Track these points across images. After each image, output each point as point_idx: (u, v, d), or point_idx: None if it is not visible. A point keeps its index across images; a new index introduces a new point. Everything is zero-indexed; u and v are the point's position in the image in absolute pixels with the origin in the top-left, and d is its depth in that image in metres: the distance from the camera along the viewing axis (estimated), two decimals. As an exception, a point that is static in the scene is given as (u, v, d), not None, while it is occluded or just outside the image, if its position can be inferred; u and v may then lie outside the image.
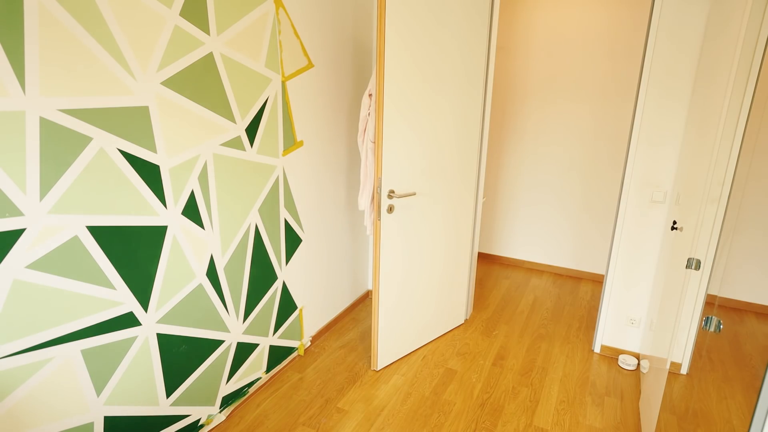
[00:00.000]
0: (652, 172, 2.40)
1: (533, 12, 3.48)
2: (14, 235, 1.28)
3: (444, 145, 2.45)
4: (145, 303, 1.68)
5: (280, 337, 2.44)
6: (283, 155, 2.25)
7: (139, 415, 1.75)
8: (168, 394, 1.85)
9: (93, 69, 1.39)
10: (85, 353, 1.52)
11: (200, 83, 1.74)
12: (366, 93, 2.30)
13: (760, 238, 3.13)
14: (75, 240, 1.42)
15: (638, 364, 2.59)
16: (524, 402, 2.29)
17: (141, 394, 1.74)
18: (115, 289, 1.56)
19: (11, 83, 1.22)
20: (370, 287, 3.36)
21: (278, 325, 2.41)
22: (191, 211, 1.80)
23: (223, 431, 2.06)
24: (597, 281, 3.71)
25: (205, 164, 1.83)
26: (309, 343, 2.70)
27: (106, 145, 1.46)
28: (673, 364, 2.54)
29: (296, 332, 2.57)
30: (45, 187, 1.33)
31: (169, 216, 1.71)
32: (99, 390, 1.59)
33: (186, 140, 1.73)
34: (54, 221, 1.36)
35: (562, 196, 3.72)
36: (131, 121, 1.52)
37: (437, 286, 2.70)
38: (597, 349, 2.74)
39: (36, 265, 1.34)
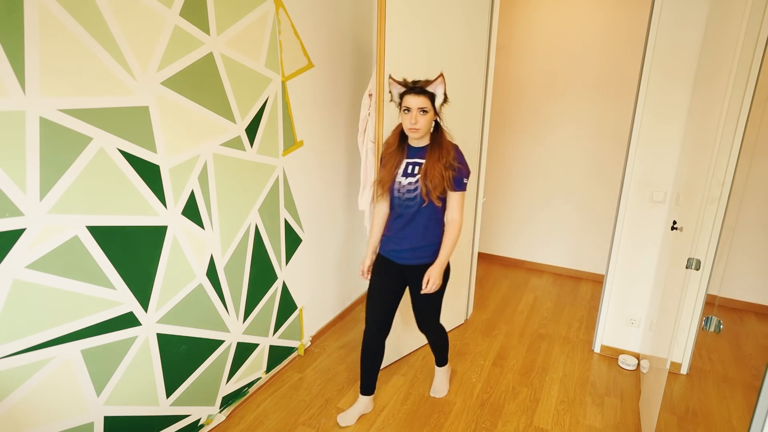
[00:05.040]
0: (652, 172, 2.40)
1: (533, 12, 3.48)
2: (14, 235, 1.28)
3: (444, 145, 2.45)
4: (145, 303, 1.68)
5: (280, 337, 2.44)
6: (283, 155, 2.25)
7: (139, 415, 1.75)
8: (168, 394, 1.85)
9: (93, 69, 1.39)
10: (85, 353, 1.52)
11: (200, 83, 1.74)
12: (366, 93, 2.29)
13: (760, 238, 3.12)
14: (75, 240, 1.42)
15: (638, 364, 2.59)
16: (524, 402, 2.29)
17: (141, 394, 1.74)
18: (115, 289, 1.56)
19: (11, 83, 1.22)
20: (370, 287, 3.35)
21: (278, 325, 2.41)
22: (191, 211, 1.80)
23: (223, 431, 2.06)
24: (597, 281, 3.71)
25: (205, 164, 1.83)
26: (309, 343, 2.70)
27: (106, 145, 1.46)
28: (673, 364, 2.54)
29: (296, 332, 2.57)
30: (45, 187, 1.33)
31: (169, 216, 1.71)
32: (99, 390, 1.59)
33: (186, 140, 1.73)
34: (54, 221, 1.36)
35: (563, 196, 3.72)
36: (131, 121, 1.52)
37: (437, 286, 2.69)
38: (597, 349, 2.74)
39: (36, 265, 1.34)
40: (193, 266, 1.85)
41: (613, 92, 3.36)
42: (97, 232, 1.48)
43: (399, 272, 1.99)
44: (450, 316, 2.88)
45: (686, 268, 1.68)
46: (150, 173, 1.61)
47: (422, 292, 1.89)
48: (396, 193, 1.89)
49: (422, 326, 2.10)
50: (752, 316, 3.19)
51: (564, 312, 3.21)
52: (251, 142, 2.03)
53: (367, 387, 2.12)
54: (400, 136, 1.90)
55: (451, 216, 1.89)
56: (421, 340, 2.71)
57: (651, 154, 2.38)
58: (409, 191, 1.86)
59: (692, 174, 1.92)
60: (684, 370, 2.53)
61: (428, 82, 1.77)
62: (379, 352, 2.08)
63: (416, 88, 1.76)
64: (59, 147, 1.34)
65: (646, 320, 2.56)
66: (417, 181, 1.83)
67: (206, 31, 1.73)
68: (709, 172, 1.61)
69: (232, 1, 1.82)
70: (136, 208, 1.59)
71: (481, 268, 3.91)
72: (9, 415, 1.35)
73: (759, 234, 3.12)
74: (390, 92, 1.84)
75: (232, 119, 1.92)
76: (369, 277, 2.04)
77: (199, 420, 2.01)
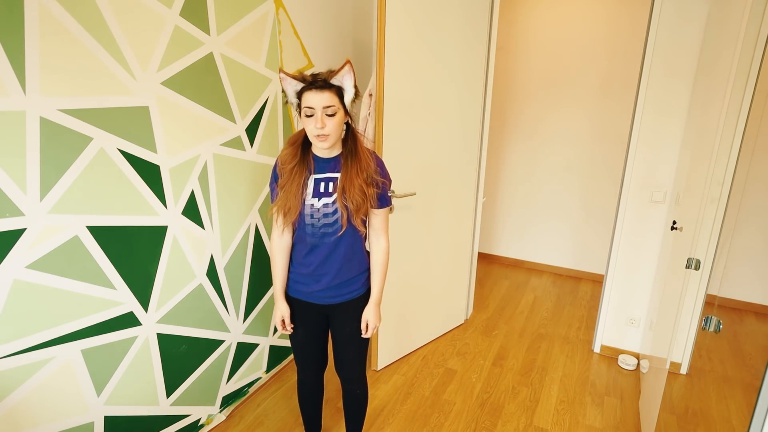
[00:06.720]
0: (652, 172, 2.40)
1: (533, 12, 3.48)
2: (14, 235, 1.28)
3: (444, 144, 2.45)
4: (145, 303, 1.68)
5: (280, 337, 2.44)
6: (283, 155, 2.24)
7: (139, 415, 1.75)
8: (168, 394, 1.85)
9: (93, 69, 1.39)
10: (85, 353, 1.52)
11: (200, 83, 1.74)
12: (366, 93, 2.29)
13: (759, 238, 3.13)
14: (75, 240, 1.42)
15: (638, 364, 2.59)
16: (524, 402, 2.29)
17: (141, 394, 1.74)
18: (115, 289, 1.56)
19: (11, 83, 1.22)
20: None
21: (278, 325, 2.41)
22: (191, 211, 1.80)
23: (223, 431, 2.06)
24: (597, 281, 3.71)
25: (205, 164, 1.83)
26: (309, 343, 2.70)
27: (106, 145, 1.46)
28: (672, 364, 2.54)
29: (296, 332, 2.57)
30: (45, 187, 1.33)
31: (169, 216, 1.71)
32: (99, 390, 1.59)
33: (186, 140, 1.73)
34: (54, 221, 1.37)
35: (562, 196, 3.72)
36: (131, 121, 1.52)
37: (437, 285, 2.70)
38: (597, 349, 2.74)
39: (36, 265, 1.34)
40: (193, 266, 1.85)
41: (613, 92, 3.36)
42: (97, 232, 1.48)
43: (320, 313, 1.63)
44: (450, 316, 2.88)
45: (686, 268, 1.68)
46: (150, 173, 1.61)
47: (364, 335, 1.61)
48: (308, 220, 1.46)
49: (346, 372, 1.72)
50: (752, 316, 3.19)
51: (564, 312, 3.22)
52: (251, 142, 2.03)
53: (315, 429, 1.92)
54: (303, 145, 1.48)
55: (376, 241, 1.56)
56: (422, 339, 2.71)
57: (651, 154, 2.38)
58: (326, 215, 1.45)
59: (692, 174, 1.92)
60: (684, 370, 2.54)
61: (332, 73, 1.36)
62: (321, 388, 1.85)
63: (317, 82, 1.35)
64: (59, 147, 1.34)
65: (646, 320, 2.56)
66: (335, 202, 1.44)
67: (206, 31, 1.73)
68: (708, 171, 1.61)
69: (232, 1, 1.82)
70: (136, 208, 1.59)
71: (481, 268, 3.91)
72: (9, 415, 1.35)
73: (759, 234, 3.12)
74: (284, 91, 1.41)
75: (232, 119, 1.92)
76: (292, 328, 1.65)
77: (199, 420, 2.01)
